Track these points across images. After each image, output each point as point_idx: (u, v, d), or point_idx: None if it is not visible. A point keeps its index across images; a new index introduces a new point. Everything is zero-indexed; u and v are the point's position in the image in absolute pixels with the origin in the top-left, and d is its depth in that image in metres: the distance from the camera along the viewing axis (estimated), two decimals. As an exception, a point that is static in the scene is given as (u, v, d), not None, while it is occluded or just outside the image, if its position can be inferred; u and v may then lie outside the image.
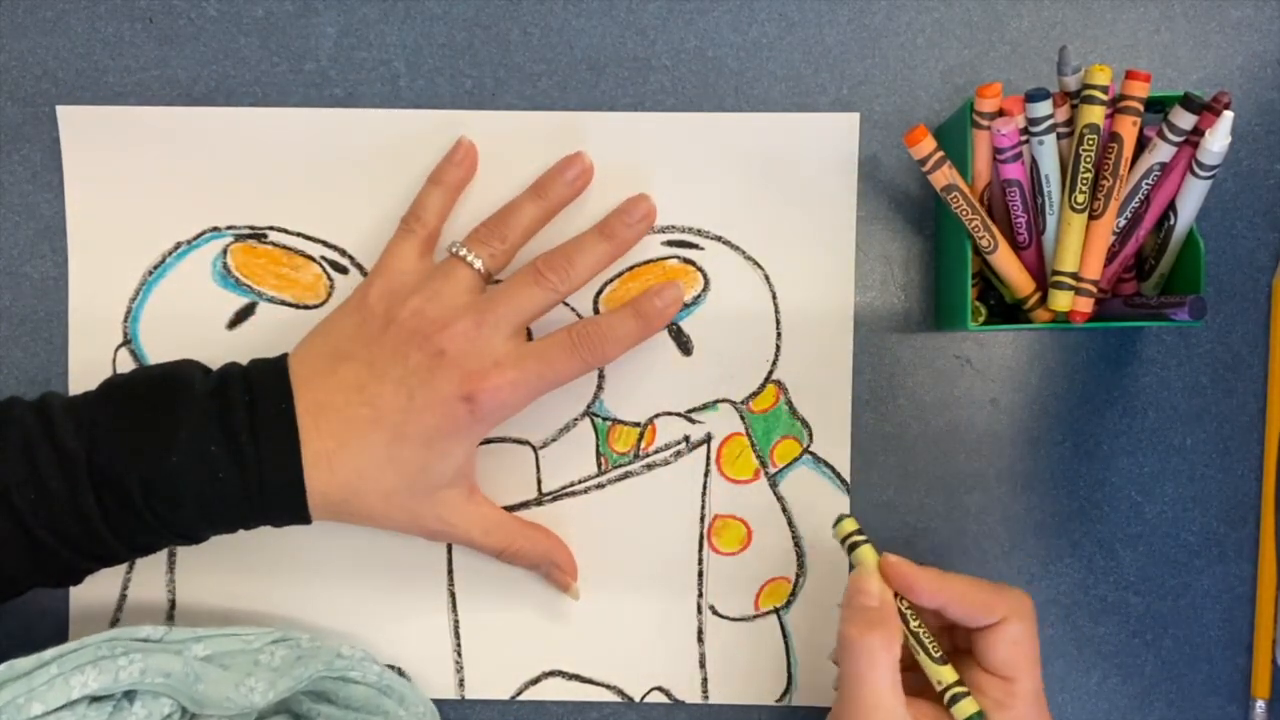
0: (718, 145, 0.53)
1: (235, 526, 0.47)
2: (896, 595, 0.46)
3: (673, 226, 0.53)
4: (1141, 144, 0.47)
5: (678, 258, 0.53)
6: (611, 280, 0.53)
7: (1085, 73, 0.45)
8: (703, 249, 0.53)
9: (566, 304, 0.53)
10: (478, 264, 0.49)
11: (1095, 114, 0.45)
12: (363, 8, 0.53)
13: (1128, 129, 0.45)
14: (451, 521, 0.49)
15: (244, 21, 0.53)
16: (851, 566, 0.47)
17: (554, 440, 0.54)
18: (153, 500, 0.45)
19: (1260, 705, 0.53)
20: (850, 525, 0.47)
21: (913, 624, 0.45)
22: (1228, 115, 0.43)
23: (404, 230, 0.51)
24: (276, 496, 0.46)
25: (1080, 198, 0.46)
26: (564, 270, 0.49)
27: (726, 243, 0.53)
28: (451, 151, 0.52)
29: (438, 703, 0.54)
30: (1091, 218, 0.46)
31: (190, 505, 0.45)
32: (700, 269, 0.53)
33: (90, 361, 0.53)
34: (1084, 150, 0.45)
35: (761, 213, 0.53)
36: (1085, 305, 0.47)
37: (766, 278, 0.53)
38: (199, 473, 0.45)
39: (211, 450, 0.45)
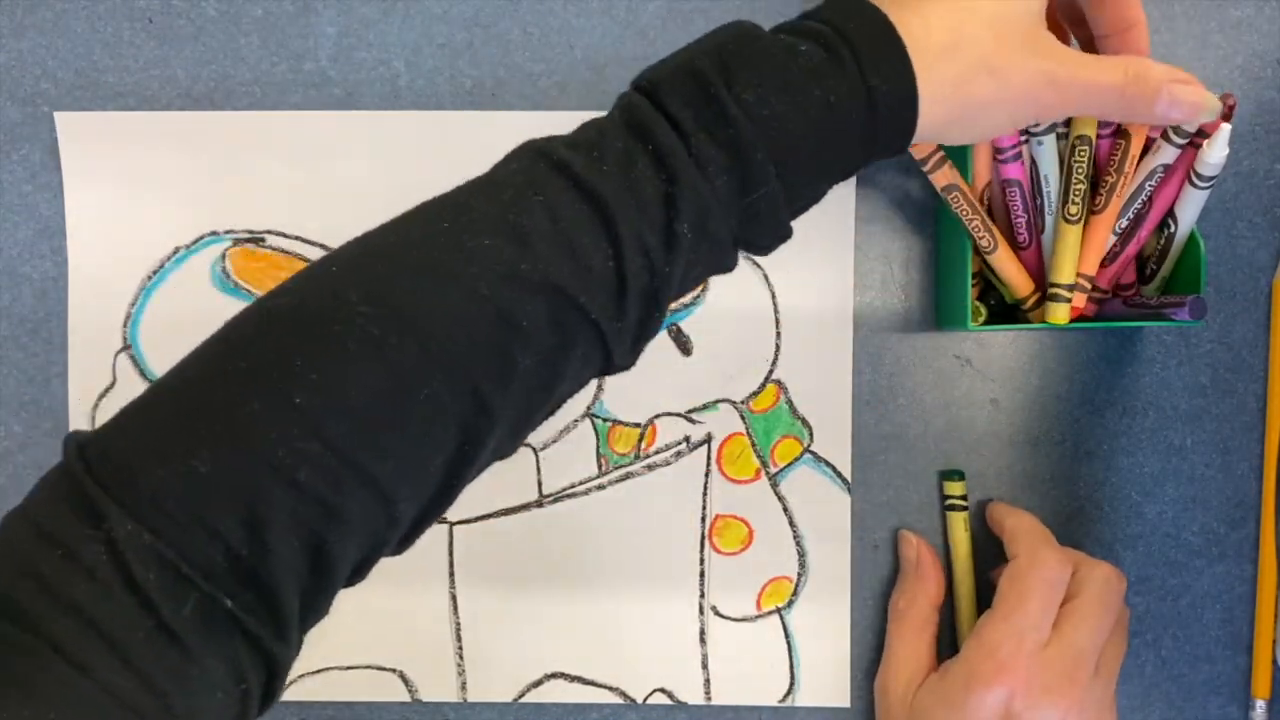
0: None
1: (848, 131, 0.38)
2: None
3: (672, 226, 0.53)
4: (1144, 145, 0.48)
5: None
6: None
7: None
8: (703, 249, 0.53)
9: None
10: None
11: (1088, 125, 0.45)
12: (363, 8, 0.53)
13: (1136, 128, 0.45)
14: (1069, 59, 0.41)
15: (243, 21, 0.53)
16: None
17: (554, 441, 0.53)
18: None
19: (1260, 705, 0.53)
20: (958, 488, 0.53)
21: None
22: (1225, 127, 0.44)
23: None
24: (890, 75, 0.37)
25: (1074, 209, 0.46)
26: None
27: (726, 243, 0.53)
28: None
29: (440, 705, 0.54)
30: (1092, 213, 0.46)
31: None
32: (700, 269, 0.53)
33: (90, 367, 0.53)
34: (1075, 162, 0.46)
35: (762, 213, 0.53)
36: (1080, 301, 0.47)
37: (766, 277, 0.53)
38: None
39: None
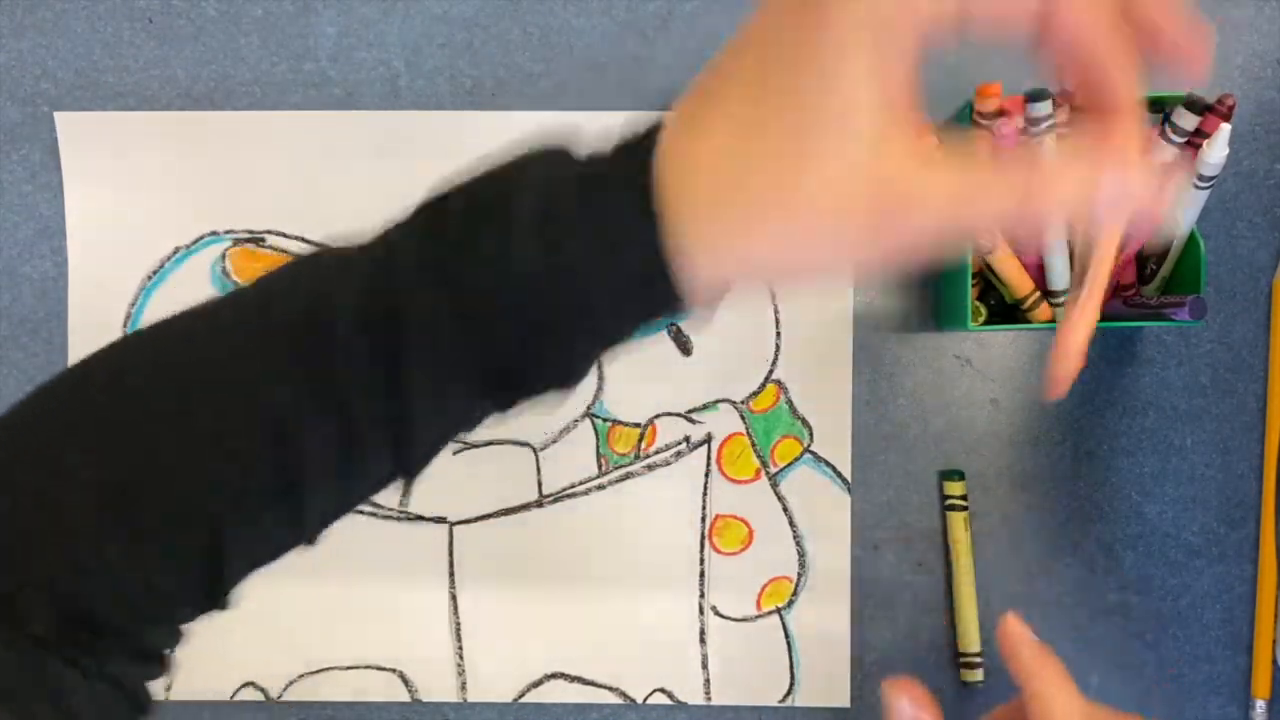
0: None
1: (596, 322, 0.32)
2: None
3: (672, 226, 0.53)
4: (1142, 144, 0.48)
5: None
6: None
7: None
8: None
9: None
10: None
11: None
12: (363, 8, 0.53)
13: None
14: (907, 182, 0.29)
15: (243, 21, 0.53)
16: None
17: (554, 441, 0.53)
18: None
19: (1260, 705, 0.53)
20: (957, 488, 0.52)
21: None
22: (1225, 128, 0.44)
23: None
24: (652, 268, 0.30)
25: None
26: None
27: (726, 243, 0.53)
28: None
29: (440, 706, 0.54)
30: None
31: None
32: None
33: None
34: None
35: (762, 213, 0.53)
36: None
37: (766, 278, 0.53)
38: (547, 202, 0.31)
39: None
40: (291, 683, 0.54)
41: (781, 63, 0.30)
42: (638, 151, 0.31)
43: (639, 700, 0.54)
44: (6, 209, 0.53)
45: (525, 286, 0.31)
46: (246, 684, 0.54)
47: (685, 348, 0.53)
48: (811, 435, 0.53)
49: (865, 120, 0.29)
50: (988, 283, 0.51)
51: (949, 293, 0.51)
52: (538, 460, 0.54)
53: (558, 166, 0.32)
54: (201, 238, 0.53)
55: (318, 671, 0.54)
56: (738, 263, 0.31)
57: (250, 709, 0.54)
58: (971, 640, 0.53)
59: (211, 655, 0.49)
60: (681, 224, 0.30)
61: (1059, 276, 0.47)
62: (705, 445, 0.53)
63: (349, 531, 0.51)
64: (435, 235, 0.33)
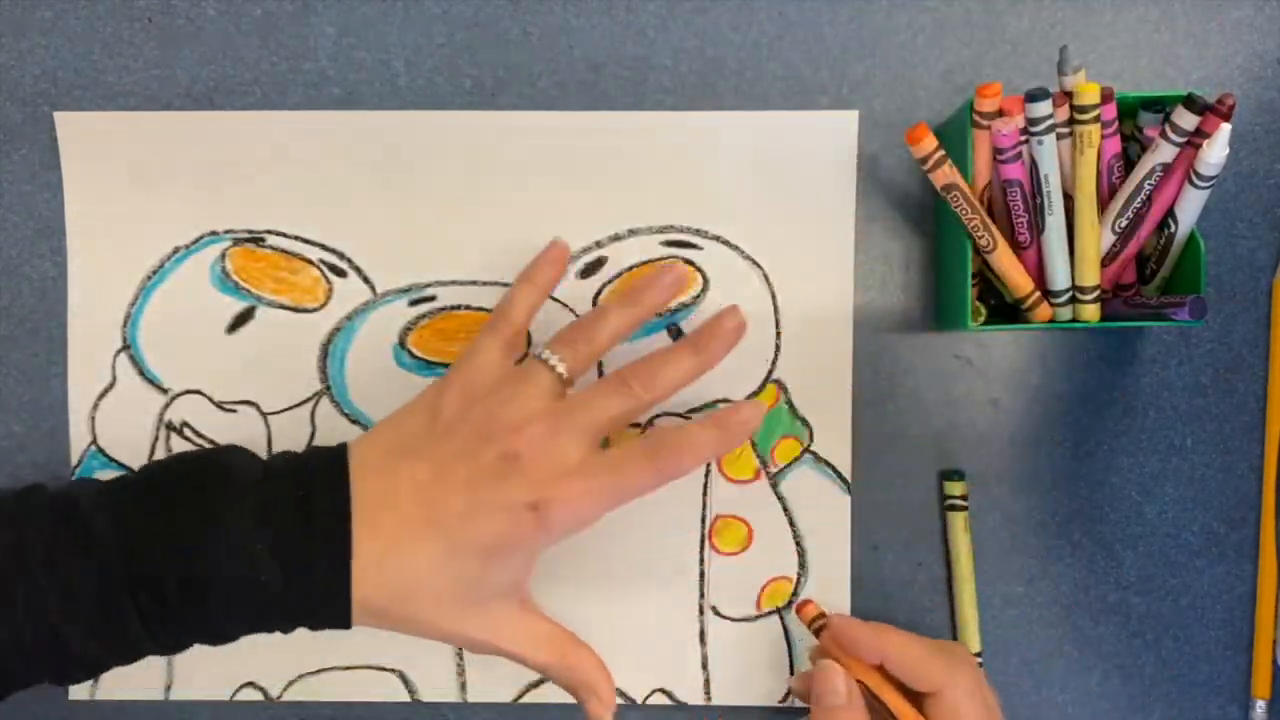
0: (716, 144, 0.53)
1: (272, 628, 0.44)
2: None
3: (672, 226, 0.53)
4: (1144, 144, 0.48)
5: (677, 258, 0.53)
6: (610, 282, 0.53)
7: (1075, 94, 0.45)
8: (702, 249, 0.53)
9: (555, 299, 0.53)
10: (560, 367, 0.46)
11: (1094, 134, 0.46)
12: (363, 8, 0.53)
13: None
14: (500, 633, 0.46)
15: (243, 21, 0.53)
16: (817, 635, 0.49)
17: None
18: (189, 600, 0.42)
19: (1260, 705, 0.53)
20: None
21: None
22: (1225, 128, 0.43)
23: (489, 328, 0.48)
24: (320, 599, 0.43)
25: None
26: (649, 381, 0.46)
27: (725, 242, 0.53)
28: (545, 251, 0.51)
29: (439, 706, 0.54)
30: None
31: (228, 607, 0.43)
32: (699, 269, 0.53)
33: (90, 368, 0.53)
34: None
35: (760, 212, 0.53)
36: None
37: (766, 277, 0.53)
38: (240, 573, 0.42)
39: (256, 548, 0.42)
40: (291, 683, 0.54)
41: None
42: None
43: (638, 700, 0.54)
44: (6, 209, 0.53)
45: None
46: (246, 684, 0.54)
47: (685, 348, 0.53)
48: (811, 435, 0.53)
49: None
50: (988, 283, 0.51)
51: (949, 292, 0.51)
52: (537, 460, 0.53)
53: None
54: (201, 237, 0.53)
55: (317, 672, 0.54)
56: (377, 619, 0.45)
57: (250, 709, 0.54)
58: (971, 640, 0.53)
59: (211, 656, 0.48)
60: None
61: (1059, 276, 0.47)
62: (705, 445, 0.53)
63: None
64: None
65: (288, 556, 0.42)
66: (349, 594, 0.43)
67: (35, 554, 0.42)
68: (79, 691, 0.54)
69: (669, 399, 0.48)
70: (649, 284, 0.49)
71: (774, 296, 0.53)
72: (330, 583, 0.43)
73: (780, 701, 0.54)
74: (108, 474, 0.53)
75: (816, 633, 0.49)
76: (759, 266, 0.53)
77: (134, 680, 0.53)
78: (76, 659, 0.43)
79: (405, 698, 0.54)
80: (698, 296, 0.53)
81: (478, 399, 0.46)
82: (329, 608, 0.44)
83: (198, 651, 0.47)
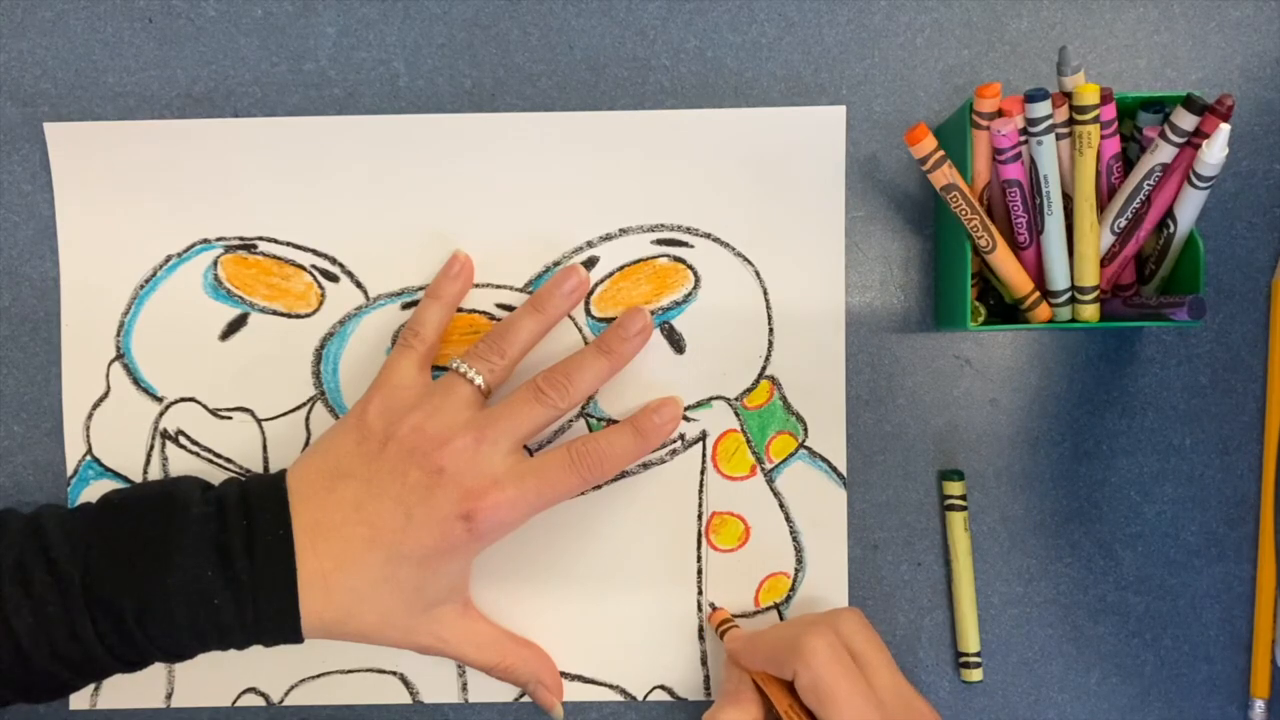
0: (704, 142, 0.53)
1: (227, 647, 0.47)
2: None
3: (663, 225, 0.53)
4: (1143, 145, 0.48)
5: (668, 256, 0.53)
6: (602, 281, 0.53)
7: (1074, 95, 0.45)
8: (693, 247, 0.53)
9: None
10: (478, 380, 0.49)
11: (1092, 133, 0.46)
12: (363, 8, 0.53)
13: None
14: (445, 638, 0.49)
15: (243, 22, 0.53)
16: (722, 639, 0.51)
17: (549, 442, 0.53)
18: (146, 623, 0.45)
19: (1260, 705, 0.53)
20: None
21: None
22: (1224, 128, 0.43)
23: (402, 345, 0.51)
24: (270, 620, 0.46)
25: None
26: (564, 387, 0.49)
27: (716, 240, 0.53)
28: (447, 266, 0.52)
29: (441, 706, 0.54)
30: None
31: (183, 629, 0.45)
32: (690, 267, 0.53)
33: (83, 377, 0.53)
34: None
35: (750, 208, 0.53)
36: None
37: (757, 273, 0.53)
38: (193, 598, 0.45)
39: (207, 575, 0.45)
40: (292, 688, 0.54)
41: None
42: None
43: (639, 698, 0.54)
44: (6, 209, 0.53)
45: None
46: (248, 690, 0.54)
47: (678, 346, 0.53)
48: (806, 431, 0.54)
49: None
50: (987, 283, 0.51)
51: (948, 292, 0.51)
52: (537, 460, 0.54)
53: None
54: (193, 245, 0.53)
55: (318, 676, 0.54)
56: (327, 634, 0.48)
57: (252, 714, 0.54)
58: (971, 640, 0.53)
59: (212, 662, 0.49)
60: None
61: (1059, 277, 0.47)
62: (700, 442, 0.53)
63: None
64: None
65: (237, 584, 0.45)
66: (298, 614, 0.46)
67: (2, 578, 0.45)
68: (80, 701, 0.54)
69: (585, 401, 0.51)
70: (551, 291, 0.51)
71: (766, 292, 0.53)
72: (279, 605, 0.46)
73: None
74: (103, 484, 0.53)
75: (722, 636, 0.52)
76: (750, 263, 0.53)
77: (135, 689, 0.54)
78: (52, 681, 0.46)
79: (406, 700, 0.54)
80: (690, 294, 0.53)
81: (401, 415, 0.48)
82: (279, 628, 0.46)
83: (198, 659, 0.48)
